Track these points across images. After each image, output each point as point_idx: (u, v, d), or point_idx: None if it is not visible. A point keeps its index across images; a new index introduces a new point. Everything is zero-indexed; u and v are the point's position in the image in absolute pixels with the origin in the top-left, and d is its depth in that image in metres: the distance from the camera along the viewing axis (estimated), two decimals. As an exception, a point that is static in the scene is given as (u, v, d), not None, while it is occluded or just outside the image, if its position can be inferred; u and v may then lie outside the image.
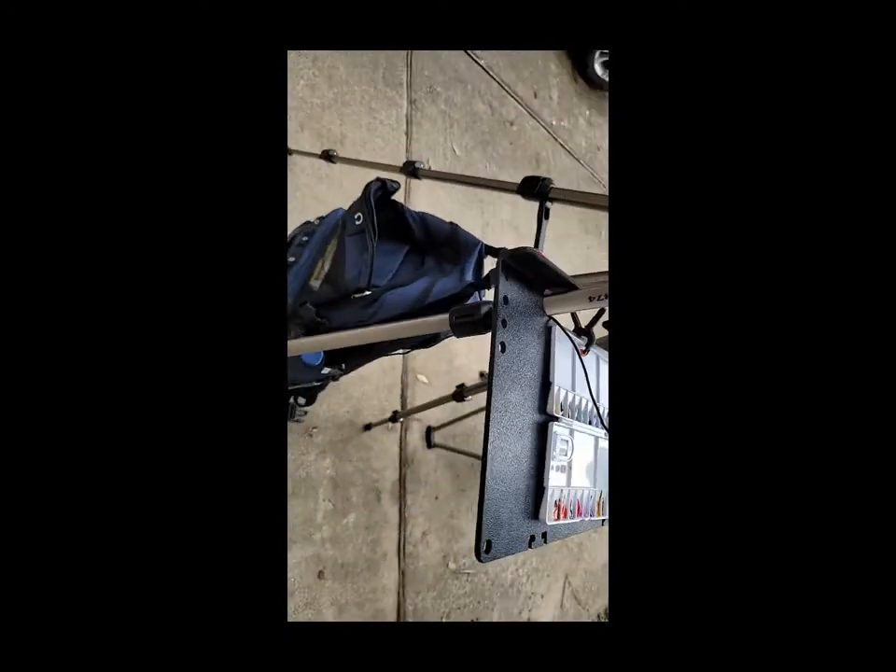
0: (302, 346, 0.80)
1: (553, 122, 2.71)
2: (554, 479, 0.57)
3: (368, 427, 1.48)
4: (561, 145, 2.74)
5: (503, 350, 0.51)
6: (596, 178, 3.00)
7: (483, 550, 0.45)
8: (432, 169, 1.18)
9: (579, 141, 2.92)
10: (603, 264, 0.47)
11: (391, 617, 1.43)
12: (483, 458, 0.47)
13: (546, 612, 2.07)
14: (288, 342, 0.80)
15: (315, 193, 1.45)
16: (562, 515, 0.58)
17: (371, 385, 1.52)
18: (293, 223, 1.35)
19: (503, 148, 2.29)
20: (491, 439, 0.48)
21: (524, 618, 1.94)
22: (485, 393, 0.49)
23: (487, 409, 0.48)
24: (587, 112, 3.06)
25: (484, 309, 0.56)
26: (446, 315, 0.60)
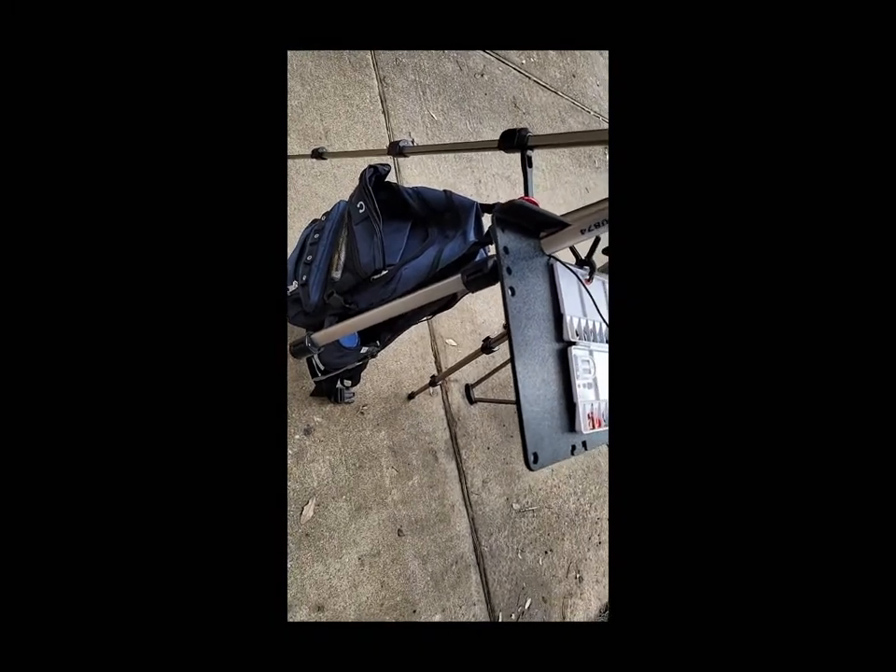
0: (338, 331, 0.88)
1: (523, 61, 2.67)
2: (583, 395, 0.65)
3: (411, 395, 1.58)
4: (535, 81, 2.71)
5: (513, 294, 0.58)
6: (578, 105, 2.95)
7: (532, 461, 0.54)
8: (416, 144, 1.23)
9: (552, 73, 2.87)
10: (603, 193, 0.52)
11: (471, 559, 1.56)
12: (515, 387, 0.55)
13: (615, 533, 2.18)
14: (327, 329, 0.88)
15: (313, 191, 1.52)
16: (595, 425, 0.66)
17: (406, 358, 1.61)
18: (300, 222, 1.42)
19: (479, 101, 2.29)
20: (518, 370, 0.55)
21: (594, 542, 2.05)
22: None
23: (510, 346, 0.56)
24: (555, 42, 2.99)
25: (491, 263, 0.64)
26: (459, 276, 0.68)
